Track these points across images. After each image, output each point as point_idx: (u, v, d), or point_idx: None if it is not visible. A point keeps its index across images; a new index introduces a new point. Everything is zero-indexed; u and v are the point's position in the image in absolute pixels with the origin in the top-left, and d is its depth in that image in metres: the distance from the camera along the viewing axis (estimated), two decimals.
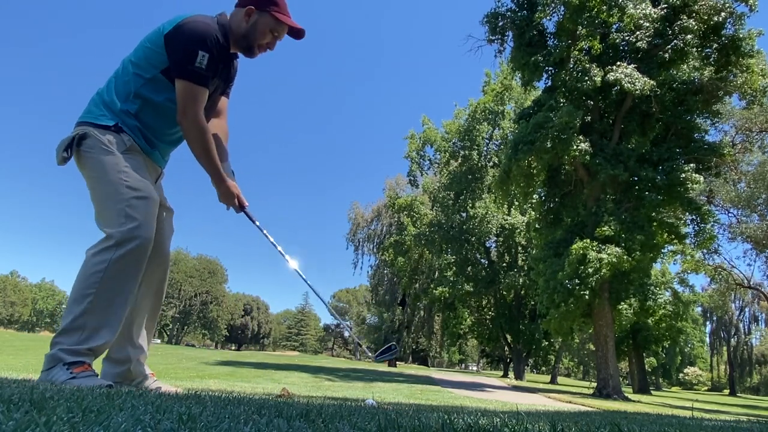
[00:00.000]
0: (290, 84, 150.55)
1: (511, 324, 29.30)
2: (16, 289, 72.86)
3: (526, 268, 26.63)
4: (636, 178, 15.41)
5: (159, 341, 59.44)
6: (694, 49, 14.79)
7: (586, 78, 14.71)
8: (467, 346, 56.70)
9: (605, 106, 17.22)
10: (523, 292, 29.67)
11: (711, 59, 15.44)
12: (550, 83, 17.27)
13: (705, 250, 22.83)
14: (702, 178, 14.98)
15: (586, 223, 15.53)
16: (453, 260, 28.67)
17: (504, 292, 30.15)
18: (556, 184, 17.95)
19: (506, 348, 31.96)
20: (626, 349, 30.51)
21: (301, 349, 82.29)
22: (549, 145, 14.88)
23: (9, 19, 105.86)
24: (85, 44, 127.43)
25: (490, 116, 29.59)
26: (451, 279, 27.64)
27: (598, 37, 15.40)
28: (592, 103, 16.73)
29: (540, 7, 15.61)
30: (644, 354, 33.05)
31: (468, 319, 30.34)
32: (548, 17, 16.12)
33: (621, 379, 23.48)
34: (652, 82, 14.15)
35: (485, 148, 30.28)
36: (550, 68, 16.77)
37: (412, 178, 33.01)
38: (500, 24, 17.10)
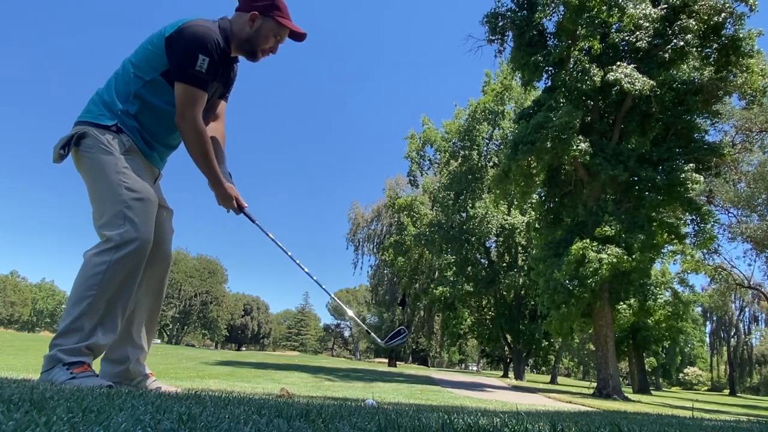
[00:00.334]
0: (290, 84, 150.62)
1: (511, 324, 29.30)
2: (16, 289, 72.88)
3: (526, 268, 26.63)
4: (636, 178, 15.41)
5: (159, 341, 59.41)
6: (694, 49, 14.79)
7: (586, 78, 14.71)
8: (467, 346, 56.72)
9: (605, 106, 17.22)
10: (523, 292, 29.67)
11: (711, 59, 15.44)
12: (550, 83, 17.27)
13: (705, 250, 22.84)
14: (702, 178, 14.98)
15: (586, 223, 15.53)
16: (453, 260, 28.67)
17: (504, 292, 30.15)
18: (556, 184, 17.95)
19: (506, 348, 31.96)
20: (626, 349, 30.50)
21: (301, 349, 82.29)
22: (549, 145, 14.88)
23: (9, 19, 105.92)
24: (85, 44, 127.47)
25: (490, 116, 29.59)
26: (451, 279, 27.63)
27: (598, 37, 15.40)
28: (592, 103, 16.72)
29: (540, 7, 15.60)
30: (644, 354, 33.05)
31: (468, 319, 30.35)
32: (548, 17, 16.12)
33: (621, 379, 23.47)
34: (651, 82, 14.15)
35: (485, 148, 30.28)
36: (550, 68, 16.77)
37: (412, 178, 33.01)
38: (500, 24, 17.10)
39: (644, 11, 14.24)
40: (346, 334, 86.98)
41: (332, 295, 2.91)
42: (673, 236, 15.98)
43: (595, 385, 16.88)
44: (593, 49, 15.19)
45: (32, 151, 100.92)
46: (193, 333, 75.69)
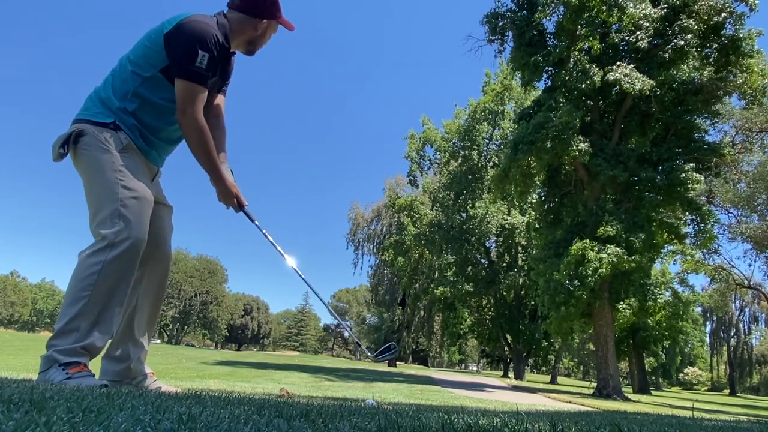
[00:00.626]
0: (290, 84, 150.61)
1: (511, 324, 29.30)
2: (16, 289, 72.89)
3: (526, 268, 26.62)
4: (636, 178, 15.41)
5: (159, 341, 59.43)
6: (694, 49, 14.79)
7: (586, 78, 14.71)
8: (467, 346, 56.71)
9: (605, 106, 17.22)
10: (523, 292, 29.67)
11: (711, 59, 15.43)
12: (550, 83, 17.27)
13: (705, 250, 22.84)
14: (702, 178, 14.98)
15: (586, 224, 15.53)
16: (453, 260, 28.66)
17: (504, 292, 30.15)
18: (556, 184, 17.95)
19: (506, 348, 31.96)
20: (626, 349, 30.50)
21: (301, 349, 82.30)
22: (549, 145, 14.88)
23: (9, 19, 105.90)
24: (85, 44, 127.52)
25: (490, 116, 29.59)
26: (451, 279, 27.62)
27: (598, 37, 15.40)
28: (591, 103, 16.72)
29: (540, 7, 15.60)
30: (644, 354, 33.05)
31: (468, 319, 30.33)
32: (548, 17, 16.12)
33: (621, 379, 23.48)
34: (651, 82, 14.14)
35: (485, 148, 30.28)
36: (550, 68, 16.77)
37: (412, 178, 33.01)
38: (500, 24, 17.10)
39: (644, 11, 14.23)
40: (346, 334, 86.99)
41: (326, 304, 2.89)
42: (673, 236, 15.98)
43: (595, 385, 16.88)
44: (593, 49, 15.19)
45: (32, 151, 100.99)
46: (193, 333, 75.68)
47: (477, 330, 31.86)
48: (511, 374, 30.76)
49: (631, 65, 14.58)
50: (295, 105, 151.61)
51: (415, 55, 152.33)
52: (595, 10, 14.43)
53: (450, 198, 29.69)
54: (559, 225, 17.46)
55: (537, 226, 19.37)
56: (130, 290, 2.16)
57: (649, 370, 43.39)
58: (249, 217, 2.46)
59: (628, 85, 14.01)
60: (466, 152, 29.58)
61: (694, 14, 14.55)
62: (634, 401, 14.32)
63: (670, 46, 14.82)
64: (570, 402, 10.03)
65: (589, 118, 16.75)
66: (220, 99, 2.54)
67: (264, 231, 2.48)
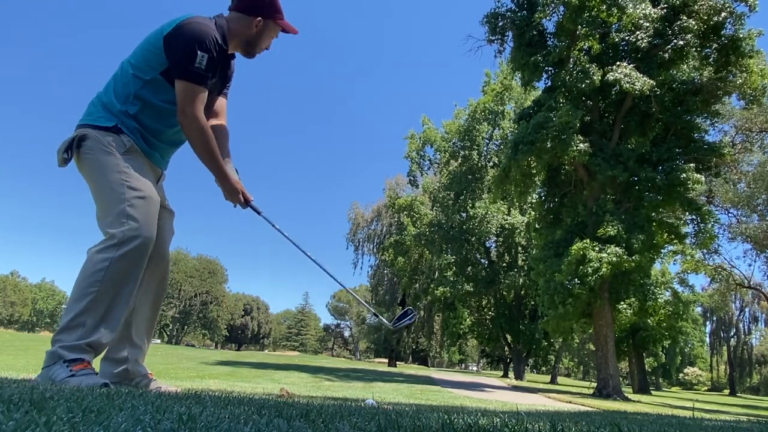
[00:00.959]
0: (290, 84, 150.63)
1: (511, 324, 29.30)
2: (16, 289, 72.86)
3: (526, 268, 26.62)
4: (636, 178, 15.41)
5: (159, 341, 59.42)
6: (694, 49, 14.79)
7: (586, 78, 14.71)
8: (467, 346, 56.73)
9: (605, 106, 17.22)
10: (523, 292, 29.67)
11: (711, 59, 15.43)
12: (549, 83, 17.27)
13: (705, 250, 22.85)
14: (703, 178, 14.98)
15: (586, 224, 15.53)
16: (453, 260, 28.66)
17: (504, 292, 30.15)
18: (556, 184, 17.95)
19: (506, 348, 31.96)
20: (626, 349, 30.50)
21: (301, 349, 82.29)
22: (549, 145, 14.88)
23: (9, 19, 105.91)
24: (85, 44, 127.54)
25: (490, 116, 29.58)
26: (451, 279, 27.62)
27: (598, 36, 15.40)
28: (591, 103, 16.73)
29: (540, 7, 15.61)
30: (644, 354, 33.05)
31: (468, 319, 30.33)
32: (548, 17, 16.12)
33: (621, 379, 23.47)
34: (651, 82, 14.15)
35: (485, 148, 30.28)
36: (550, 68, 16.77)
37: (412, 178, 33.01)
38: (500, 24, 17.10)
39: (644, 11, 14.24)
40: (346, 334, 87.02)
41: (344, 285, 2.94)
42: (673, 236, 15.98)
43: (595, 385, 16.88)
44: (593, 49, 15.21)
45: (32, 151, 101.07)
46: (193, 333, 75.68)
47: (477, 330, 31.86)
48: (511, 374, 30.77)
49: (631, 65, 14.58)
50: (295, 105, 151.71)
51: (415, 55, 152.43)
52: (595, 10, 14.44)
53: (450, 198, 29.69)
54: (559, 225, 17.47)
55: (537, 226, 19.38)
56: (136, 288, 2.17)
57: (649, 370, 43.41)
58: (256, 210, 2.47)
59: (628, 85, 14.02)
60: (466, 152, 29.57)
61: (694, 14, 14.56)
62: (634, 401, 14.32)
63: (670, 46, 14.82)
64: (570, 402, 10.03)
65: (588, 118, 16.76)
66: (221, 102, 2.55)
67: (272, 222, 2.49)
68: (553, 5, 15.63)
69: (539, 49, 16.35)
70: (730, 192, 22.61)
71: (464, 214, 28.88)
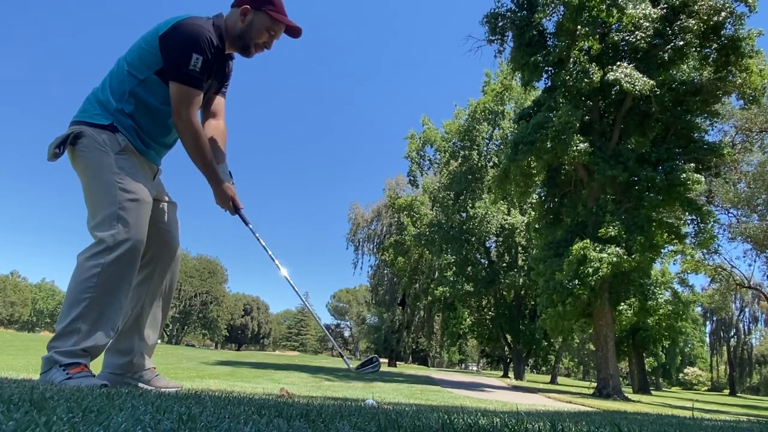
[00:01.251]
0: (290, 84, 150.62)
1: (511, 324, 29.30)
2: (16, 289, 72.83)
3: (526, 268, 26.63)
4: (636, 178, 15.42)
5: (159, 341, 59.23)
6: (694, 49, 14.79)
7: (586, 78, 14.71)
8: (467, 346, 56.71)
9: (605, 106, 17.22)
10: (523, 292, 29.66)
11: (710, 59, 15.44)
12: (549, 83, 17.27)
13: (705, 250, 22.84)
14: (703, 178, 14.98)
15: (586, 224, 15.53)
16: (453, 260, 28.66)
17: (504, 292, 30.15)
18: (556, 184, 17.95)
19: (506, 348, 31.96)
20: (626, 349, 30.50)
21: (301, 349, 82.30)
22: (549, 145, 14.89)
23: (9, 19, 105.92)
24: (85, 44, 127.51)
25: (490, 116, 29.59)
26: (451, 279, 27.62)
27: (598, 36, 15.40)
28: (591, 103, 16.73)
29: (540, 7, 15.61)
30: (644, 354, 33.05)
31: (468, 319, 30.34)
32: (548, 17, 16.12)
33: (621, 379, 23.47)
34: (651, 82, 14.14)
35: (485, 148, 30.28)
36: (550, 68, 16.77)
37: (412, 178, 33.01)
38: (500, 24, 17.10)
39: (644, 11, 14.24)
40: (346, 334, 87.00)
41: (316, 316, 2.91)
42: (673, 236, 15.97)
43: (595, 385, 16.88)
44: (593, 48, 15.20)
45: (32, 151, 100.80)
46: (193, 333, 75.66)
47: (477, 330, 31.87)
48: (511, 374, 30.76)
49: (631, 65, 14.58)
50: (295, 105, 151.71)
51: (415, 55, 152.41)
52: (595, 10, 14.43)
53: (450, 198, 29.69)
54: (559, 225, 17.47)
55: (537, 226, 19.38)
56: (131, 291, 2.17)
57: (649, 370, 43.39)
58: (244, 220, 2.46)
59: (628, 85, 14.02)
60: (466, 152, 29.57)
61: (694, 14, 14.56)
62: (634, 401, 14.32)
63: (670, 46, 14.82)
64: (570, 402, 10.03)
65: (588, 118, 16.76)
66: (219, 101, 2.53)
67: (257, 235, 2.48)
68: (553, 5, 15.63)
69: (539, 49, 16.35)
70: (730, 192, 22.62)
71: (464, 214, 28.89)
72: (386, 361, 39.74)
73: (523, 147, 15.44)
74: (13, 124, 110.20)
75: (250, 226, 2.47)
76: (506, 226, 27.66)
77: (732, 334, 60.98)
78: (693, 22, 14.35)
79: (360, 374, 2.51)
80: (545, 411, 3.98)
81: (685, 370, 63.84)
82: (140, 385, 2.30)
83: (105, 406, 1.09)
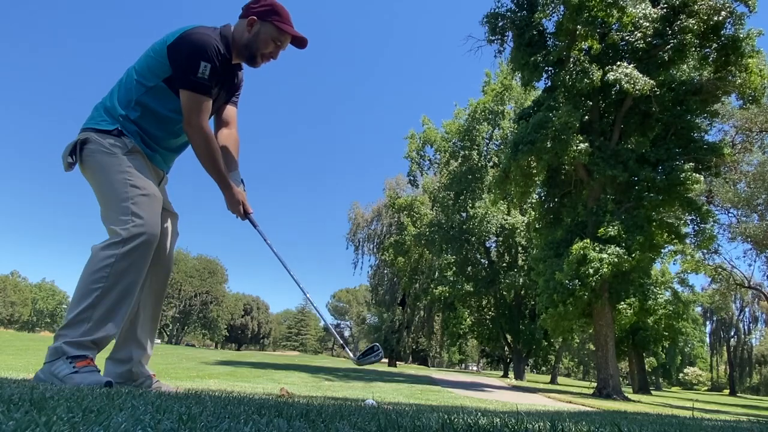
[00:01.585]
0: (290, 84, 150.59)
1: (511, 324, 29.30)
2: (16, 289, 72.81)
3: (526, 268, 26.63)
4: (636, 178, 15.42)
5: (159, 341, 59.34)
6: (694, 49, 14.79)
7: (586, 78, 14.71)
8: (467, 346, 56.69)
9: (605, 106, 17.23)
10: (523, 292, 29.66)
11: (710, 59, 15.43)
12: (549, 83, 17.27)
13: (705, 250, 22.84)
14: (702, 178, 14.98)
15: (586, 223, 15.53)
16: (453, 260, 28.66)
17: (504, 292, 30.15)
18: (556, 184, 17.95)
19: (506, 348, 31.96)
20: (626, 349, 30.50)
21: (301, 349, 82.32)
22: (549, 145, 14.89)
23: (9, 19, 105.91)
24: (89, 46, 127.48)
25: (490, 116, 29.59)
26: (451, 279, 27.62)
27: (598, 36, 15.39)
28: (591, 103, 16.73)
29: (540, 7, 15.61)
30: (644, 354, 33.04)
31: (468, 319, 30.35)
32: (548, 17, 16.12)
33: (621, 379, 23.47)
34: (651, 82, 14.14)
35: (485, 148, 30.28)
36: (550, 68, 16.77)
37: (412, 178, 33.01)
38: (500, 24, 17.10)
39: (644, 11, 14.24)
40: (347, 333, 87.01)
41: (323, 318, 2.92)
42: (673, 236, 15.97)
43: (595, 385, 16.89)
44: (593, 48, 15.19)
45: (32, 151, 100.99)
46: (193, 333, 75.67)
47: (477, 330, 31.87)
48: (511, 374, 30.77)
49: (631, 65, 14.58)
50: (295, 105, 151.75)
51: (415, 55, 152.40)
52: (595, 9, 14.43)
53: (450, 198, 29.69)
54: (559, 225, 17.48)
55: (537, 226, 19.38)
56: (140, 285, 2.18)
57: (649, 370, 43.40)
58: (253, 224, 2.50)
59: (628, 85, 14.01)
60: (466, 152, 29.58)
61: (693, 14, 14.55)
62: (634, 401, 14.32)
63: (670, 46, 14.82)
64: (570, 402, 10.03)
65: (588, 118, 16.77)
66: (231, 110, 2.57)
67: (267, 239, 2.50)
68: (553, 5, 15.62)
69: (539, 49, 16.35)
70: (730, 192, 22.63)
71: (464, 214, 28.89)
72: (386, 361, 39.75)
73: (523, 147, 15.44)
74: (14, 124, 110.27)
75: (259, 229, 2.49)
76: (506, 226, 27.66)
77: (732, 334, 60.97)
78: (693, 21, 14.35)
79: (363, 363, 2.52)
80: (545, 411, 3.98)
81: (685, 370, 63.84)
82: None
83: (105, 406, 1.09)
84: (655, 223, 15.39)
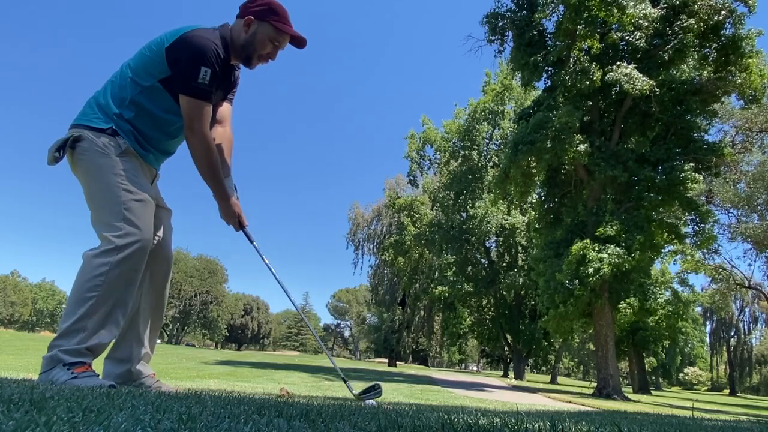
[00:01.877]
0: (290, 84, 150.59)
1: (511, 324, 29.30)
2: (16, 289, 72.78)
3: (526, 268, 26.63)
4: (636, 178, 15.42)
5: (159, 341, 59.21)
6: (694, 49, 14.79)
7: (586, 78, 14.71)
8: (467, 346, 56.70)
9: (605, 106, 17.22)
10: (523, 292, 29.66)
11: (710, 59, 15.44)
12: (549, 83, 17.27)
13: (705, 250, 22.85)
14: (702, 178, 14.98)
15: (586, 223, 15.53)
16: (453, 260, 28.66)
17: (504, 292, 30.15)
18: (556, 184, 17.95)
19: (506, 348, 31.96)
20: (626, 349, 30.50)
21: (301, 349, 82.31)
22: (549, 145, 14.89)
23: (9, 19, 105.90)
24: (89, 46, 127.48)
25: (490, 116, 29.59)
26: (451, 279, 27.62)
27: (598, 36, 15.40)
28: (591, 103, 16.73)
29: (540, 7, 15.61)
30: (644, 354, 33.04)
31: (468, 319, 30.35)
32: (548, 17, 16.11)
33: (621, 379, 23.47)
34: (651, 82, 14.14)
35: (485, 148, 30.28)
36: (550, 68, 16.77)
37: (412, 178, 33.01)
38: (500, 24, 17.10)
39: (644, 11, 14.24)
40: (346, 333, 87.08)
41: (316, 335, 2.91)
42: (673, 236, 15.98)
43: (595, 385, 16.88)
44: (593, 48, 15.19)
45: (32, 151, 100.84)
46: (193, 333, 75.65)
47: (477, 330, 31.87)
48: (511, 374, 30.76)
49: (631, 65, 14.58)
50: (295, 104, 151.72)
51: (415, 55, 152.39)
52: (595, 9, 14.43)
53: (450, 198, 29.69)
54: (559, 225, 17.47)
55: (537, 226, 19.37)
56: (135, 292, 2.17)
57: (649, 370, 43.39)
58: (248, 237, 2.48)
59: (627, 85, 14.01)
60: (466, 152, 29.58)
61: (693, 14, 14.55)
62: (634, 401, 14.32)
63: (670, 46, 14.82)
64: (570, 402, 10.03)
65: (588, 118, 16.76)
66: (226, 107, 2.53)
67: (262, 254, 2.50)
68: (553, 5, 15.62)
69: (539, 49, 16.35)
70: (730, 192, 22.64)
71: (464, 214, 28.89)
72: (386, 361, 39.76)
73: (523, 147, 15.44)
74: (14, 124, 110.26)
75: (255, 245, 2.47)
76: (506, 226, 27.66)
77: (732, 334, 60.96)
78: (693, 21, 14.35)
79: (364, 400, 2.53)
80: (545, 411, 3.98)
81: (685, 370, 63.84)
82: None
83: (105, 406, 1.09)
84: (655, 223, 15.39)
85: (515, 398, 9.96)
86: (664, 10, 14.80)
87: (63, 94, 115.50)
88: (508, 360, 33.75)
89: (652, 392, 31.78)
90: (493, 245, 31.16)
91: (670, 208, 15.80)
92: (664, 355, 43.88)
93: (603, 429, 1.47)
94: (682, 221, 16.36)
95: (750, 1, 14.59)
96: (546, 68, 16.72)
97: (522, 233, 27.74)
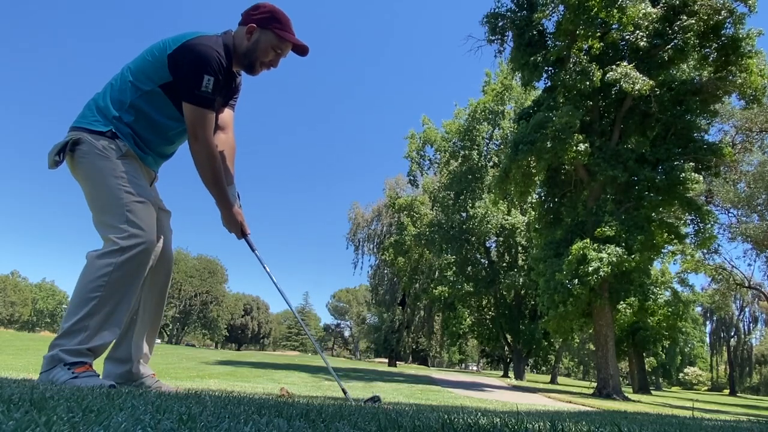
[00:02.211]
0: (290, 84, 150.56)
1: (511, 324, 29.30)
2: (16, 289, 72.77)
3: (526, 268, 26.63)
4: (636, 178, 15.42)
5: (159, 341, 59.28)
6: (694, 49, 14.78)
7: (586, 78, 14.71)
8: (467, 346, 56.72)
9: (605, 106, 17.22)
10: (523, 292, 29.67)
11: (710, 59, 15.43)
12: (549, 83, 17.28)
13: (705, 250, 22.84)
14: (701, 178, 14.98)
15: (586, 223, 15.53)
16: (453, 260, 28.66)
17: (504, 292, 30.16)
18: (556, 184, 17.95)
19: (506, 348, 31.96)
20: (626, 349, 30.48)
21: (301, 349, 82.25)
22: (549, 145, 14.89)
23: (9, 19, 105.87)
24: (89, 46, 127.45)
25: (490, 116, 29.59)
26: (451, 279, 27.62)
27: (598, 35, 15.40)
28: (591, 103, 16.73)
29: (540, 7, 15.61)
30: (644, 354, 33.03)
31: (468, 319, 30.34)
32: (548, 17, 16.12)
33: (621, 379, 23.46)
34: (651, 82, 14.14)
35: (485, 148, 30.28)
36: (550, 68, 16.77)
37: (412, 178, 33.00)
38: (500, 24, 17.10)
39: (644, 11, 14.24)
40: (347, 334, 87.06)
41: (321, 351, 2.91)
42: (673, 236, 15.98)
43: (595, 385, 16.88)
44: (593, 48, 15.19)
45: (32, 151, 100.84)
46: (193, 333, 75.66)
47: (477, 330, 31.87)
48: (511, 374, 30.76)
49: (631, 65, 14.57)
50: (294, 105, 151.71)
51: (415, 55, 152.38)
52: (595, 9, 14.43)
53: (450, 198, 29.69)
54: (559, 225, 17.47)
55: (537, 226, 19.37)
56: (137, 294, 2.17)
57: (649, 370, 43.36)
58: (250, 246, 2.48)
59: (627, 85, 14.01)
60: (466, 152, 29.58)
61: (693, 14, 14.55)
62: (634, 401, 14.32)
63: (669, 46, 14.81)
64: (570, 402, 10.03)
65: (588, 118, 16.76)
66: (228, 113, 2.53)
67: (264, 263, 2.50)
68: (553, 5, 15.62)
69: (539, 49, 16.35)
70: (730, 192, 22.64)
71: (464, 214, 28.89)
72: (386, 360, 39.77)
73: (523, 147, 15.44)
74: (14, 124, 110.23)
75: (257, 253, 2.47)
76: (506, 226, 27.66)
77: (732, 334, 60.95)
78: (693, 21, 14.34)
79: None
80: (545, 411, 3.98)
81: (685, 370, 63.80)
82: None
83: (105, 406, 1.09)
84: (655, 223, 15.39)
85: (515, 398, 9.97)
86: (664, 9, 14.80)
87: (63, 94, 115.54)
88: (508, 360, 33.75)
89: (652, 392, 31.77)
90: (493, 245, 31.16)
91: (670, 208, 15.79)
92: (664, 355, 43.86)
93: (603, 429, 1.47)
94: (682, 221, 16.36)
95: (750, 1, 14.59)
96: (546, 68, 16.73)
97: (522, 233, 27.74)
